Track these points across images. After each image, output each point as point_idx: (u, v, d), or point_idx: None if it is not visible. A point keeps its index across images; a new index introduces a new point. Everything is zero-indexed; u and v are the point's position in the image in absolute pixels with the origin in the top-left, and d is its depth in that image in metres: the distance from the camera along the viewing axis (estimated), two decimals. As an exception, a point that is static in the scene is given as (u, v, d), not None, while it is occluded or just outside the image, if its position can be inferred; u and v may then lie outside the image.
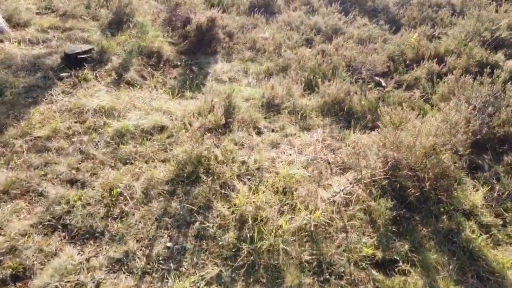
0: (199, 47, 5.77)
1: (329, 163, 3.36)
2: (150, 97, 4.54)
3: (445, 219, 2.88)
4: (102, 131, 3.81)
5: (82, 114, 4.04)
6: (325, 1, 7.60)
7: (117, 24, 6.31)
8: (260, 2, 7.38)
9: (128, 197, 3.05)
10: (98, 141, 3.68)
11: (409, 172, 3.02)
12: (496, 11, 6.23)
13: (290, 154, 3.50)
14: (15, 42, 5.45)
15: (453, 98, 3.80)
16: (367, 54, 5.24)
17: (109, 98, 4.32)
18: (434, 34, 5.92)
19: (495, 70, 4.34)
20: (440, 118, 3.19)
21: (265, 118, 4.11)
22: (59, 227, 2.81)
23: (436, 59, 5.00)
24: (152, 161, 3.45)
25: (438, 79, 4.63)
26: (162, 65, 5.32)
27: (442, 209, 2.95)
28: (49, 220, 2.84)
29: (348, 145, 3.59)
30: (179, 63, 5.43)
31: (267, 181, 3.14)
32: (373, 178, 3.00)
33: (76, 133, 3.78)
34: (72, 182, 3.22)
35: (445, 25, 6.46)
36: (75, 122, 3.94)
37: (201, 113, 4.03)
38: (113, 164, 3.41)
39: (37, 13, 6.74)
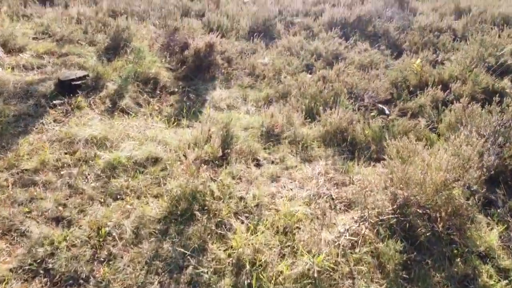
0: (197, 73, 5.64)
1: (332, 199, 3.16)
2: (145, 126, 4.37)
3: (460, 263, 2.66)
4: (92, 163, 3.62)
5: (73, 145, 3.86)
6: (325, 26, 7.54)
7: (114, 49, 6.20)
8: (260, 27, 7.31)
9: (117, 237, 2.83)
10: (88, 174, 3.49)
11: (418, 210, 2.82)
12: (499, 36, 6.13)
13: (291, 189, 3.30)
14: (9, 68, 5.33)
15: (462, 128, 3.62)
16: (369, 81, 5.10)
17: (102, 127, 4.14)
18: (437, 59, 5.80)
19: (504, 99, 4.18)
20: (450, 151, 3.01)
21: (264, 148, 3.92)
22: (41, 272, 2.58)
23: (441, 85, 4.86)
24: (145, 197, 3.25)
25: (443, 107, 4.47)
26: (158, 92, 5.18)
27: (455, 251, 2.73)
28: (30, 264, 2.61)
29: (352, 179, 3.39)
30: (176, 89, 5.29)
31: (267, 220, 2.93)
32: (380, 218, 2.79)
33: (65, 165, 3.59)
34: (58, 220, 3.01)
35: (447, 50, 6.36)
36: (65, 153, 3.75)
37: (197, 143, 3.84)
38: (102, 200, 3.21)
39: (33, 38, 6.66)
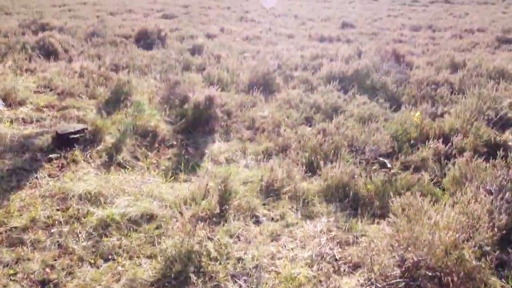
0: (196, 126, 5.63)
1: (336, 260, 2.99)
2: (141, 181, 4.26)
3: (476, 332, 2.45)
4: (85, 220, 3.47)
5: (66, 201, 3.73)
6: (323, 80, 7.65)
7: (115, 102, 6.25)
8: (259, 80, 7.40)
9: (105, 304, 2.64)
10: (80, 233, 3.33)
11: (428, 273, 2.64)
12: (496, 89, 6.19)
13: (292, 249, 3.13)
14: (8, 121, 5.32)
15: (467, 183, 3.52)
16: (369, 134, 5.06)
17: (97, 182, 4.03)
18: (437, 112, 5.81)
19: (508, 152, 4.10)
20: (458, 209, 2.88)
21: (263, 204, 3.79)
22: None
23: (442, 138, 4.81)
24: (137, 257, 3.07)
25: (446, 160, 4.39)
26: (157, 145, 5.13)
27: (470, 319, 2.52)
28: (9, 334, 2.41)
29: (356, 238, 3.23)
30: (174, 142, 5.24)
31: (266, 284, 2.74)
32: (387, 282, 2.61)
33: (56, 222, 3.44)
34: (44, 283, 2.82)
35: (445, 103, 6.39)
36: (57, 210, 3.61)
37: (194, 199, 3.72)
38: (93, 261, 3.03)
39: (35, 92, 6.74)
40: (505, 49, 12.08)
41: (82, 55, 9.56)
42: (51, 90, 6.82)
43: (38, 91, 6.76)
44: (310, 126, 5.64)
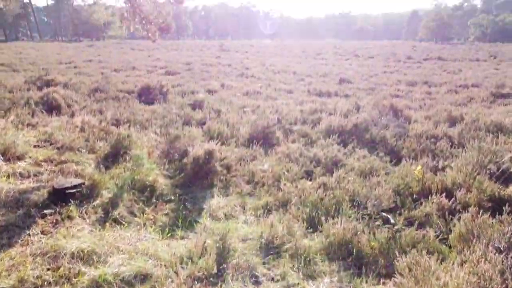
0: (195, 180, 5.56)
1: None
2: (137, 238, 4.12)
3: None
4: (76, 280, 3.31)
5: (58, 259, 3.57)
6: (322, 133, 7.70)
7: (114, 156, 6.23)
8: (259, 134, 7.44)
9: None
10: (70, 294, 3.16)
11: None
12: (496, 143, 6.20)
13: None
14: (4, 176, 5.25)
15: (474, 240, 3.39)
16: (371, 188, 4.99)
17: (91, 239, 3.89)
18: (437, 166, 5.77)
19: (512, 207, 4.00)
20: (468, 269, 2.74)
21: (263, 263, 3.63)
22: None
23: (445, 193, 4.72)
24: (129, 322, 2.89)
25: (451, 216, 4.27)
26: (154, 200, 5.02)
27: None
28: None
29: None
30: (172, 197, 5.14)
31: None
32: None
33: (46, 283, 3.27)
34: None
35: (445, 157, 6.36)
36: (48, 269, 3.44)
37: (191, 257, 3.57)
38: (81, 327, 2.85)
39: (35, 146, 6.74)
40: (500, 103, 12.31)
41: (84, 110, 9.71)
42: (51, 144, 6.83)
43: (38, 146, 6.77)
44: (310, 180, 5.57)
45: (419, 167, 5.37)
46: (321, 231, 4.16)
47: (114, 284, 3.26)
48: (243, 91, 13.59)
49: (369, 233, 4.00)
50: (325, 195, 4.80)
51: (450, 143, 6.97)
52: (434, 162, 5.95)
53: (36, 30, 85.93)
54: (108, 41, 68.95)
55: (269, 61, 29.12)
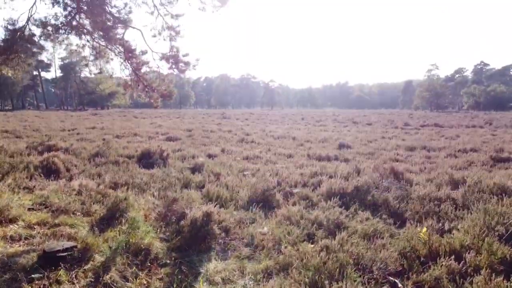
0: (192, 244, 5.34)
1: None
2: (128, 306, 3.86)
3: None
4: None
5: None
6: (323, 196, 7.56)
7: (110, 219, 6.07)
8: (259, 197, 7.32)
9: None
10: None
11: None
12: (502, 205, 6.05)
13: None
14: (-5, 240, 5.07)
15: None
16: (376, 250, 4.77)
17: (78, 307, 3.64)
18: (443, 228, 5.58)
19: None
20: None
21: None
22: None
23: (453, 255, 4.50)
24: None
25: (462, 279, 4.04)
26: (149, 264, 4.78)
27: None
28: None
29: None
30: (168, 261, 4.90)
31: None
32: None
33: None
34: None
35: (451, 219, 6.18)
36: None
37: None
38: None
39: (29, 209, 6.61)
40: (500, 167, 12.27)
41: (83, 174, 9.67)
42: (46, 207, 6.69)
43: (33, 209, 6.63)
44: (312, 243, 5.35)
45: (424, 229, 5.19)
46: (325, 297, 3.90)
47: None
48: (243, 155, 13.64)
49: (376, 298, 3.74)
50: (328, 258, 4.57)
51: (454, 205, 6.81)
52: (440, 224, 5.77)
53: (43, 100, 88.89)
54: (112, 110, 70.90)
55: (269, 127, 29.66)
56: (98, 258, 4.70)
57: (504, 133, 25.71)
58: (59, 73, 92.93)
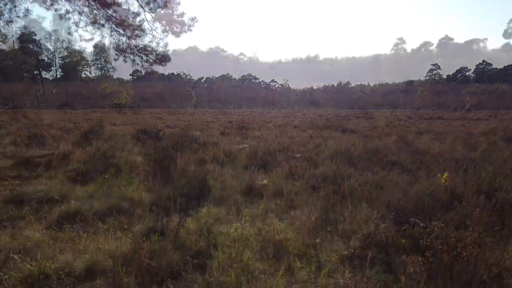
0: (184, 193, 4.74)
1: None
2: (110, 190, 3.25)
3: None
4: (45, 215, 2.44)
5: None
6: (328, 159, 6.96)
7: (93, 172, 5.46)
8: (259, 161, 6.70)
9: None
10: (36, 226, 2.28)
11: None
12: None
13: None
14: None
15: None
16: (391, 194, 4.17)
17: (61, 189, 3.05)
18: (466, 177, 4.97)
19: None
20: None
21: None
22: None
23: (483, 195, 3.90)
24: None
25: (497, 218, 3.44)
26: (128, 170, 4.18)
27: None
28: None
29: None
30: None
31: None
32: None
33: None
34: None
35: (470, 173, 5.58)
36: None
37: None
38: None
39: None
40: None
41: (73, 145, 9.10)
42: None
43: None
44: (317, 192, 4.74)
45: (445, 175, 4.58)
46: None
47: (87, 215, 2.38)
48: (243, 136, 13.05)
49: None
50: (336, 200, 3.98)
51: (473, 164, 6.21)
52: (459, 174, 5.16)
53: (44, 100, 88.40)
54: (112, 108, 70.45)
55: (270, 119, 29.09)
56: (74, 204, 4.11)
57: (511, 123, 25.06)
58: (59, 73, 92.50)
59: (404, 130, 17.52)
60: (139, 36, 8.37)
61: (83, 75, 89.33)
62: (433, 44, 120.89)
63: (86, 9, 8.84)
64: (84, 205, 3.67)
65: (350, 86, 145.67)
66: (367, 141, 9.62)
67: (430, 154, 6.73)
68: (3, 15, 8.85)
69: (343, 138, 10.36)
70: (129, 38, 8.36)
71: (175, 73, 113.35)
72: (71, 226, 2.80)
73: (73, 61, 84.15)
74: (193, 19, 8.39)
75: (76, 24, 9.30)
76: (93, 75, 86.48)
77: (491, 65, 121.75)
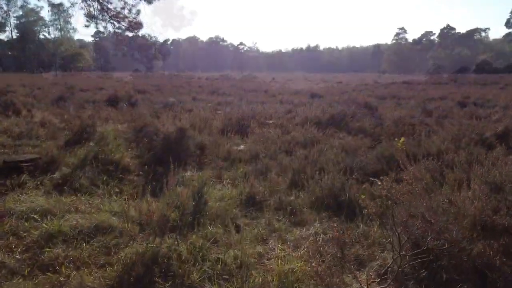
0: (165, 159, 5.11)
1: (340, 257, 2.42)
2: (100, 203, 3.63)
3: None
4: (25, 234, 2.79)
5: (3, 219, 3.05)
6: (298, 125, 7.45)
7: (76, 142, 5.71)
8: (234, 126, 7.10)
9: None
10: (15, 247, 2.64)
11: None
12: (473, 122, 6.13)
13: (284, 249, 2.55)
14: None
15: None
16: (354, 157, 4.72)
17: (45, 201, 3.38)
18: (420, 141, 5.59)
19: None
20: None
21: (245, 216, 3.23)
22: None
23: (431, 158, 4.50)
24: (87, 267, 2.39)
25: (441, 175, 4.05)
26: (120, 174, 4.53)
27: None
28: None
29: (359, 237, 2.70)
30: (141, 172, 4.67)
31: (254, 281, 2.13)
32: (403, 267, 2.07)
33: (-14, 239, 2.73)
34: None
35: (425, 137, 6.22)
36: (-10, 228, 2.91)
37: (162, 209, 3.12)
38: (26, 273, 2.33)
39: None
40: (468, 108, 12.59)
41: (46, 112, 9.12)
42: (6, 134, 6.24)
43: (-9, 137, 6.16)
44: (290, 155, 5.24)
45: (402, 139, 5.14)
46: (305, 190, 3.80)
47: (71, 235, 2.77)
48: (215, 102, 13.31)
49: (359, 188, 3.69)
50: (308, 163, 4.49)
51: (428, 129, 6.86)
52: (415, 139, 5.78)
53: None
54: (74, 72, 67.69)
55: (240, 84, 29.19)
56: (66, 170, 4.40)
57: (469, 87, 26.42)
58: (15, 34, 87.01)
59: (370, 95, 18.27)
60: (110, 3, 8.32)
61: (41, 36, 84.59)
62: (434, 33, 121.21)
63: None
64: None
65: (319, 49, 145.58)
66: (334, 107, 10.16)
67: (392, 120, 7.33)
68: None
69: (312, 105, 10.87)
70: (100, 4, 8.29)
71: (140, 35, 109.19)
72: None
73: (29, 22, 79.25)
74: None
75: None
76: (52, 36, 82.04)
77: (455, 29, 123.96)
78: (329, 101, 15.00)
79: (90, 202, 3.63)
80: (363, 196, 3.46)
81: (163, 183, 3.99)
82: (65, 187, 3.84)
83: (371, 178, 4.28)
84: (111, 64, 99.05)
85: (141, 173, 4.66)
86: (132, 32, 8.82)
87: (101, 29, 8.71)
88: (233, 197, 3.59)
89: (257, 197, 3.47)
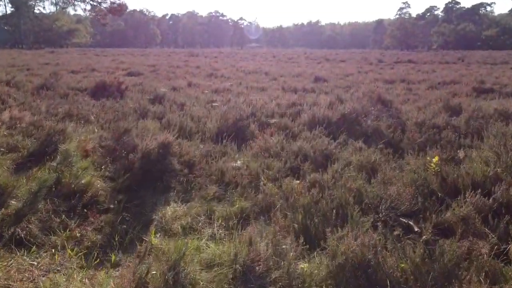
0: (145, 183, 4.17)
1: None
2: (47, 267, 2.70)
3: None
4: None
5: None
6: (305, 126, 6.46)
7: (40, 156, 4.75)
8: (231, 128, 6.14)
9: None
10: None
11: None
12: (515, 129, 5.15)
13: None
14: None
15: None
16: (380, 186, 3.76)
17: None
18: (455, 157, 4.62)
19: None
20: None
21: (240, 303, 2.30)
22: None
23: (478, 189, 3.53)
24: None
25: (495, 219, 3.10)
26: (83, 211, 3.59)
27: None
28: None
29: None
30: (112, 206, 3.71)
31: None
32: None
33: None
34: None
35: (456, 148, 5.25)
36: None
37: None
38: None
39: None
40: (485, 97, 11.51)
41: (22, 107, 8.11)
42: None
43: None
44: (298, 178, 4.28)
45: (436, 158, 4.19)
46: (322, 249, 2.86)
47: None
48: (212, 89, 12.25)
49: (393, 248, 2.75)
50: (321, 196, 3.53)
51: (457, 133, 5.87)
52: (447, 153, 4.80)
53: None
54: (71, 48, 65.81)
55: (240, 64, 27.92)
56: (14, 205, 3.46)
57: (478, 68, 25.16)
58: (9, 9, 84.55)
59: (377, 78, 17.15)
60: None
61: (37, 11, 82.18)
62: (438, 8, 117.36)
63: None
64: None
65: (320, 24, 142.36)
66: (343, 101, 9.14)
67: (414, 121, 6.33)
68: None
69: (319, 96, 9.85)
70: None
71: (138, 10, 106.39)
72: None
73: (24, -5, 76.90)
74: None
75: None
76: (48, 11, 79.80)
77: (460, 3, 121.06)
78: (334, 87, 13.96)
79: (35, 264, 2.70)
80: (402, 265, 2.54)
81: (133, 233, 3.05)
82: (7, 245, 2.89)
83: (404, 220, 3.34)
84: (109, 40, 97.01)
85: (111, 206, 3.71)
86: (114, 15, 7.70)
87: (81, 12, 7.58)
88: (225, 262, 2.63)
89: (258, 268, 2.52)
